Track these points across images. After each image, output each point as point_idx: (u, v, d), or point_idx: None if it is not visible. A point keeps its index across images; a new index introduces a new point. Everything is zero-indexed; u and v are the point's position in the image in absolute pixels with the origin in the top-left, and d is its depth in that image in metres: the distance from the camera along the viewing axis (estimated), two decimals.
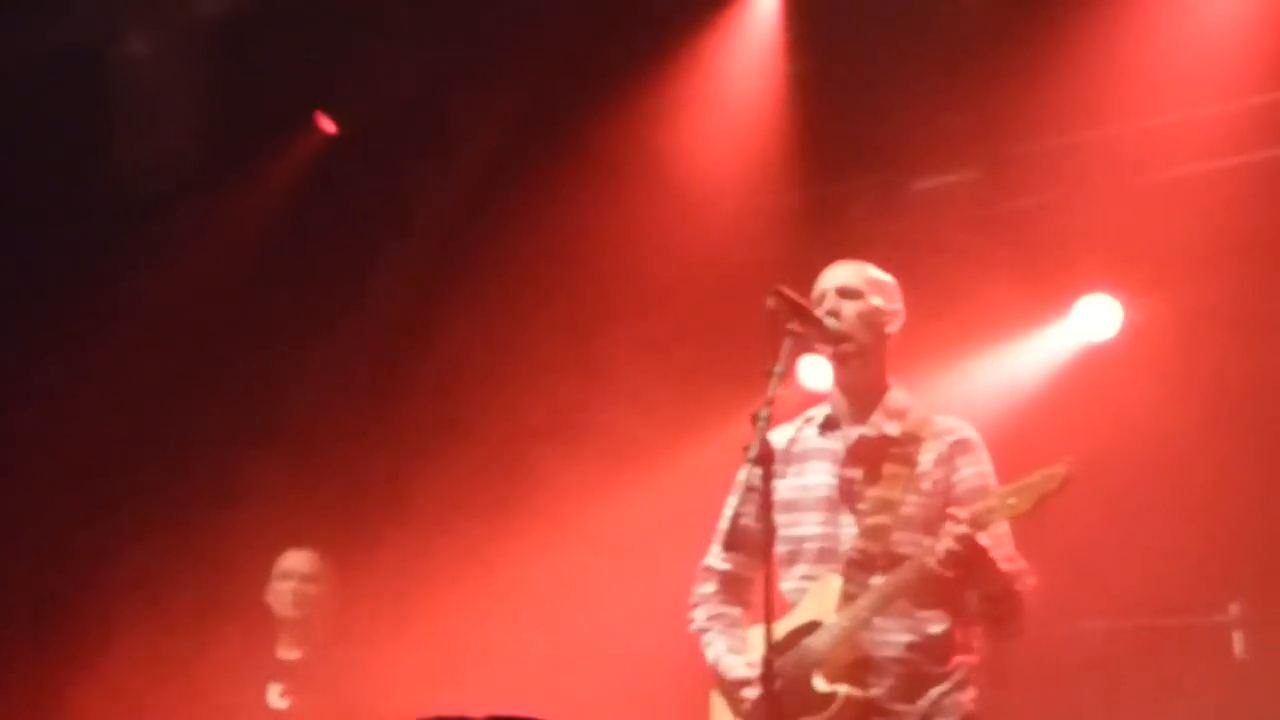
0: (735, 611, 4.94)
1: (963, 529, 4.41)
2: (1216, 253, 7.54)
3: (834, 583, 4.70)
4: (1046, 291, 7.97)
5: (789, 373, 4.60)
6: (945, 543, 4.44)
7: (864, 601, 4.61)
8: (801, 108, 7.87)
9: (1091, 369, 8.07)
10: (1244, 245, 7.48)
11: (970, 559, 4.43)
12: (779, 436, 4.91)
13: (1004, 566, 4.55)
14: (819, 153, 8.09)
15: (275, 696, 6.95)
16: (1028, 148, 8.05)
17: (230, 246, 8.11)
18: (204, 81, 7.94)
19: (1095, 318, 8.02)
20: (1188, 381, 7.68)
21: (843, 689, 4.59)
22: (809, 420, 5.01)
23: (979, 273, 7.86)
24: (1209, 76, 7.50)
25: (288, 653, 7.09)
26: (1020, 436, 6.59)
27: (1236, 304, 7.61)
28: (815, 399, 5.22)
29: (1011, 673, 6.27)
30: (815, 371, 7.02)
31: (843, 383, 4.93)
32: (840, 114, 7.91)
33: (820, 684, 4.61)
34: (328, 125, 7.70)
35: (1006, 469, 4.82)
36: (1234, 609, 7.56)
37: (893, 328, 4.92)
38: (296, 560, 7.17)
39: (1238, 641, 7.51)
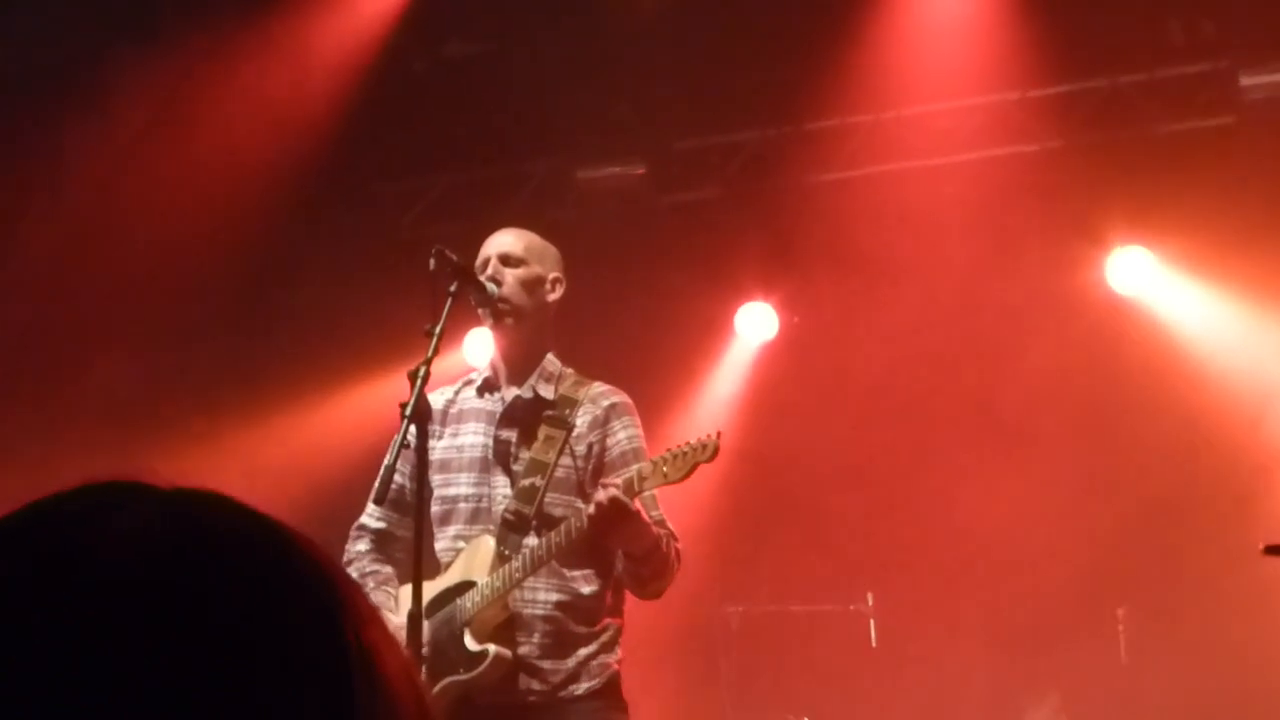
0: (387, 570, 4.90)
1: (614, 492, 4.46)
2: (863, 257, 7.86)
3: (487, 543, 4.71)
4: (707, 285, 8.17)
5: (448, 332, 4.62)
6: (597, 505, 4.48)
7: (516, 563, 4.62)
8: (468, 91, 7.88)
9: (752, 368, 8.31)
10: (890, 248, 7.80)
11: (620, 522, 4.49)
12: (438, 398, 4.92)
13: (654, 530, 4.62)
14: (485, 135, 8.12)
15: None
16: (692, 143, 8.23)
17: None
18: None
19: (754, 323, 8.30)
20: (836, 384, 7.97)
21: (492, 648, 4.61)
22: (469, 382, 5.02)
23: (643, 265, 8.02)
24: (877, 83, 7.78)
25: None
26: (682, 427, 6.74)
27: (881, 306, 7.94)
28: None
29: (658, 648, 6.39)
30: (479, 346, 7.08)
31: (502, 347, 4.96)
32: (506, 99, 7.95)
33: (470, 643, 4.62)
34: None
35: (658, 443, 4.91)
36: (870, 598, 7.84)
37: (554, 296, 4.96)
38: None
39: (873, 629, 7.80)
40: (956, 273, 7.77)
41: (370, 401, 7.35)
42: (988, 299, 7.85)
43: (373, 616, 1.07)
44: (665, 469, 4.53)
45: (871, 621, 7.75)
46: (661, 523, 4.70)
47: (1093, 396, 7.81)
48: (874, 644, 7.76)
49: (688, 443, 4.54)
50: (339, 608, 1.04)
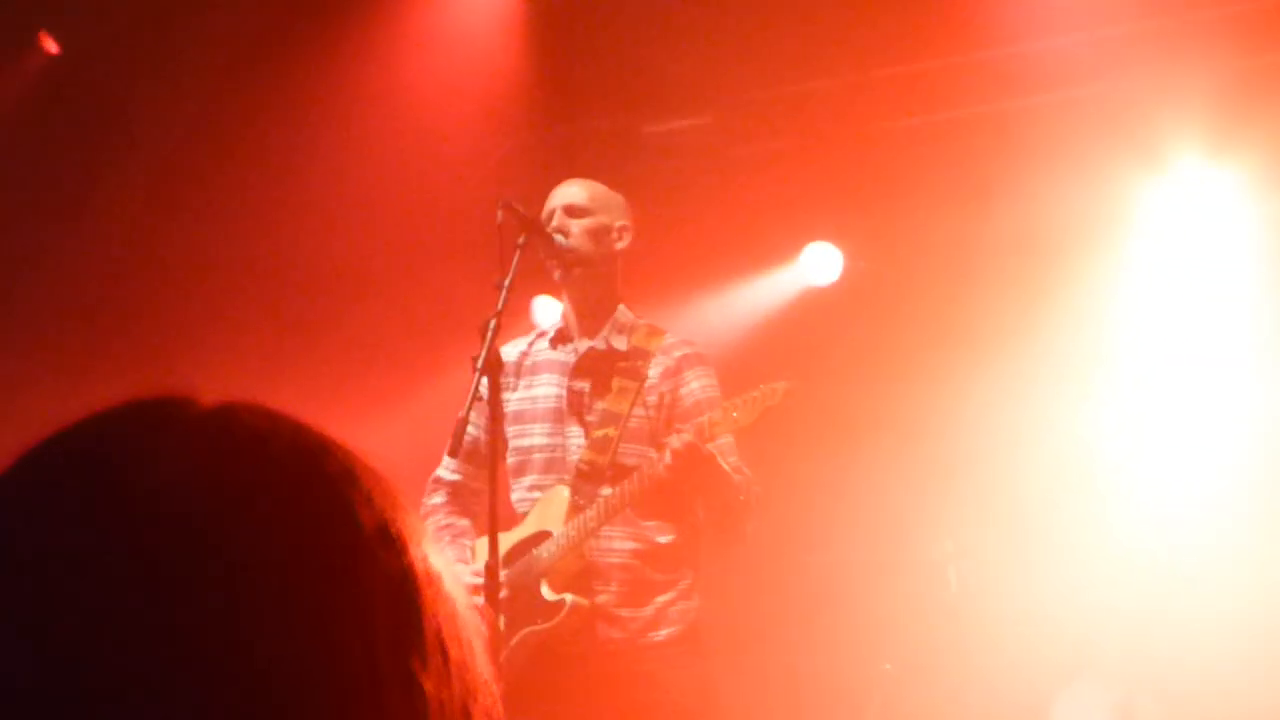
0: (464, 522, 4.93)
1: (687, 438, 4.47)
2: (933, 202, 7.80)
3: (562, 493, 4.73)
4: (773, 237, 8.14)
5: (516, 285, 4.63)
6: (670, 452, 4.50)
7: (591, 512, 4.64)
8: (532, 49, 7.86)
9: (812, 311, 8.26)
10: (958, 196, 7.75)
11: (695, 468, 4.49)
12: (511, 350, 4.94)
13: (732, 476, 4.63)
14: (553, 94, 8.10)
15: None
16: (758, 95, 8.18)
17: None
18: None
19: (818, 264, 8.26)
20: (903, 325, 7.93)
21: (569, 597, 4.63)
22: (542, 335, 5.04)
23: (709, 218, 7.99)
24: (930, 31, 7.70)
25: None
26: (743, 372, 6.71)
27: (950, 251, 7.89)
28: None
29: (736, 596, 6.39)
30: (548, 309, 7.08)
31: (573, 298, 4.97)
32: (572, 56, 7.93)
33: (548, 592, 4.65)
34: (50, 45, 7.40)
35: (731, 393, 4.91)
36: (948, 544, 7.79)
37: (622, 244, 4.96)
38: None
39: (952, 575, 7.75)
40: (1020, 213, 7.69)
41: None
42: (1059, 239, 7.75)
43: (430, 543, 1.08)
44: (735, 413, 4.55)
45: (950, 568, 7.69)
46: (739, 468, 4.71)
47: None
48: (953, 589, 7.69)
49: (758, 387, 4.56)
50: (404, 527, 1.05)
